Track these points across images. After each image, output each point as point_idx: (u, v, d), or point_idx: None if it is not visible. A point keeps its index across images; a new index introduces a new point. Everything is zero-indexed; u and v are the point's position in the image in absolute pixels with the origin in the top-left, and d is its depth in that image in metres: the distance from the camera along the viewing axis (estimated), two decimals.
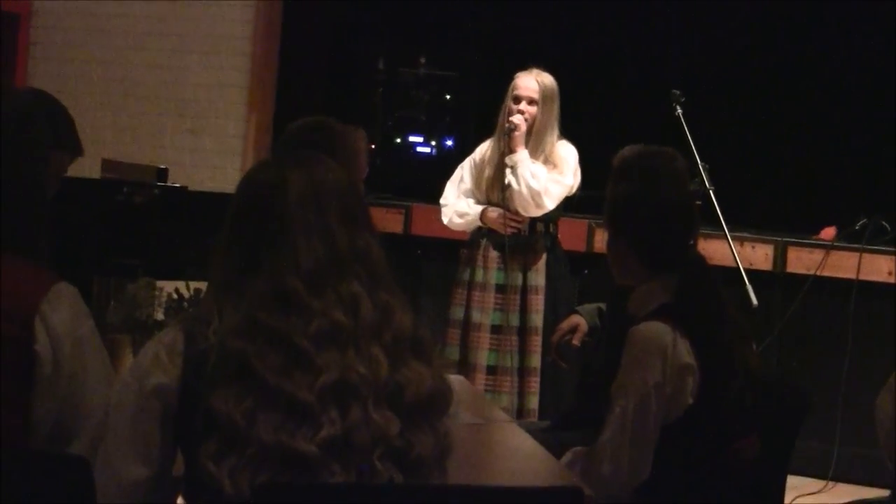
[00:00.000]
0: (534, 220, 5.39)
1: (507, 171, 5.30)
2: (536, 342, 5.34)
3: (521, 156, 5.29)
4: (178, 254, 4.44)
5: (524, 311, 5.36)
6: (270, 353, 2.05)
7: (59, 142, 3.33)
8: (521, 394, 5.35)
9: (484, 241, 5.43)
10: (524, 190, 5.26)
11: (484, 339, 5.39)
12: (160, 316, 3.49)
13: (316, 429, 2.02)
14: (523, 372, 5.36)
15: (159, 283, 3.62)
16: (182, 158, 7.58)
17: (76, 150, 3.50)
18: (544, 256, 5.42)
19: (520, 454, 3.21)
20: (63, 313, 2.25)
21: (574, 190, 5.36)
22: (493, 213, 5.38)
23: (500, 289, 5.39)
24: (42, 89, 3.69)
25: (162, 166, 5.17)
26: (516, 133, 5.28)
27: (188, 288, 3.49)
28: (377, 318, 2.13)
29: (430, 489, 2.12)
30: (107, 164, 5.38)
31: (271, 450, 2.00)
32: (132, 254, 4.45)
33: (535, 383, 5.34)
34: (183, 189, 5.05)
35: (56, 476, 2.08)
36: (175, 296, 3.49)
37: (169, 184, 5.01)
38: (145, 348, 2.16)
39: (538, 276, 5.39)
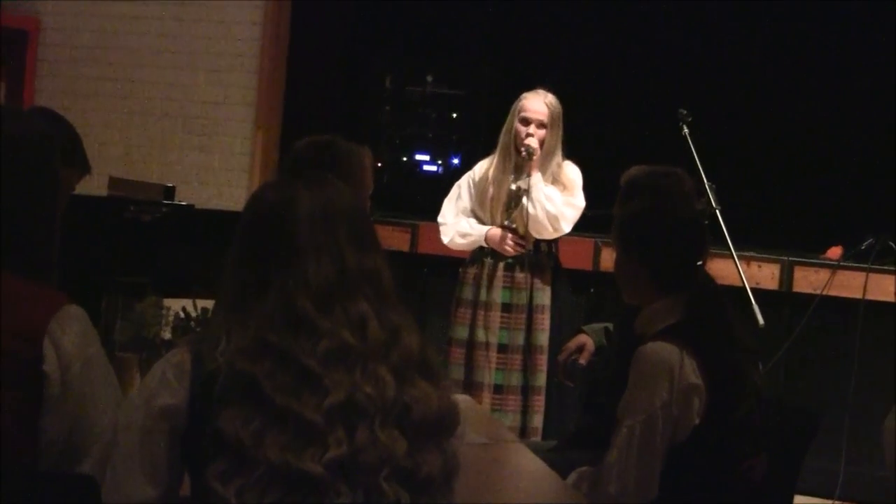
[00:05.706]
0: (538, 241, 5.39)
1: (520, 193, 5.28)
2: (542, 361, 5.33)
3: (535, 179, 5.27)
4: (185, 272, 4.45)
5: (530, 329, 5.35)
6: (278, 373, 2.04)
7: (66, 160, 3.33)
8: (525, 412, 5.36)
9: (489, 260, 5.42)
10: (541, 214, 5.24)
11: (491, 359, 5.38)
12: (167, 335, 3.49)
13: (323, 449, 2.01)
14: (528, 390, 5.36)
15: (167, 302, 3.62)
16: (189, 176, 7.60)
17: (84, 167, 3.52)
18: (550, 275, 5.41)
19: (527, 474, 3.21)
20: (72, 334, 2.24)
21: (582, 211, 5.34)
22: (498, 234, 5.37)
23: (506, 307, 5.38)
24: (49, 107, 3.71)
25: (169, 184, 5.18)
26: (535, 158, 5.27)
27: (195, 307, 3.49)
28: (385, 339, 2.12)
29: None
30: (114, 182, 5.39)
31: (278, 470, 1.99)
32: (139, 272, 4.45)
33: (539, 402, 5.35)
34: (190, 207, 5.06)
35: (65, 496, 2.08)
36: (182, 314, 3.49)
37: (176, 202, 5.02)
38: (153, 369, 2.16)
39: (544, 296, 5.38)
